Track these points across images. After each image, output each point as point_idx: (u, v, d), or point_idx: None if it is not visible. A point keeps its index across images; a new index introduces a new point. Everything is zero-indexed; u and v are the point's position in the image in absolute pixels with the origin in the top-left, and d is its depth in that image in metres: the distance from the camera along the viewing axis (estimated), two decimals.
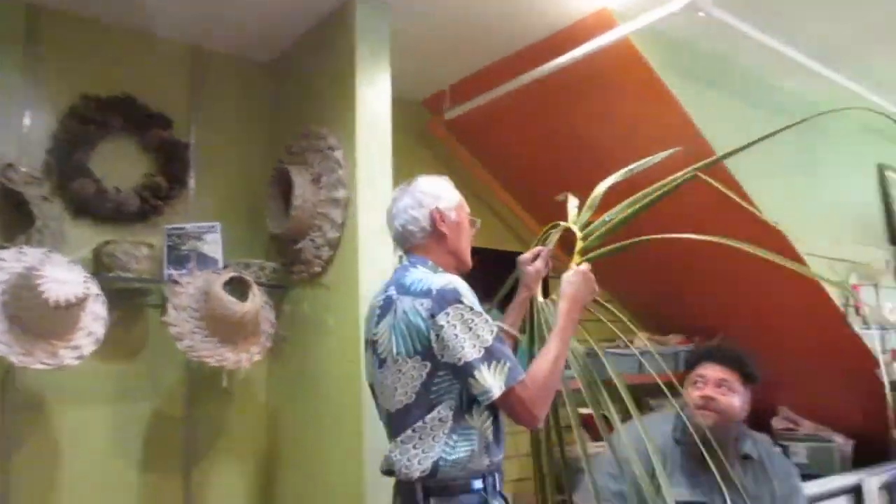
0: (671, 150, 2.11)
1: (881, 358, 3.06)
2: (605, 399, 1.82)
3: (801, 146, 3.18)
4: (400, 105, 2.28)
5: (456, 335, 1.50)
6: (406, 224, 1.71)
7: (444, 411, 1.54)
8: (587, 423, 2.02)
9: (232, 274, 2.10)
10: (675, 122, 2.59)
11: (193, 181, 2.39)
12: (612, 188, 2.01)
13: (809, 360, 3.22)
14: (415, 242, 1.71)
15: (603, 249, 1.91)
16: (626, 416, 1.82)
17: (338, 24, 2.26)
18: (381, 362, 1.60)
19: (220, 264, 2.23)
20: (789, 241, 2.78)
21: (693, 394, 2.11)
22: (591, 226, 1.97)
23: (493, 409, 1.58)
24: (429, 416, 1.55)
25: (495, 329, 1.56)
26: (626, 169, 2.05)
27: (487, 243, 3.13)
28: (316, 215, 2.23)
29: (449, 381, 1.54)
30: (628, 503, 1.96)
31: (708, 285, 3.19)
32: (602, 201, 2.03)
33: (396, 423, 1.59)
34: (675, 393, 2.03)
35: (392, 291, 1.62)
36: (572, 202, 2.10)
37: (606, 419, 1.82)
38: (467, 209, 1.82)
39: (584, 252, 1.91)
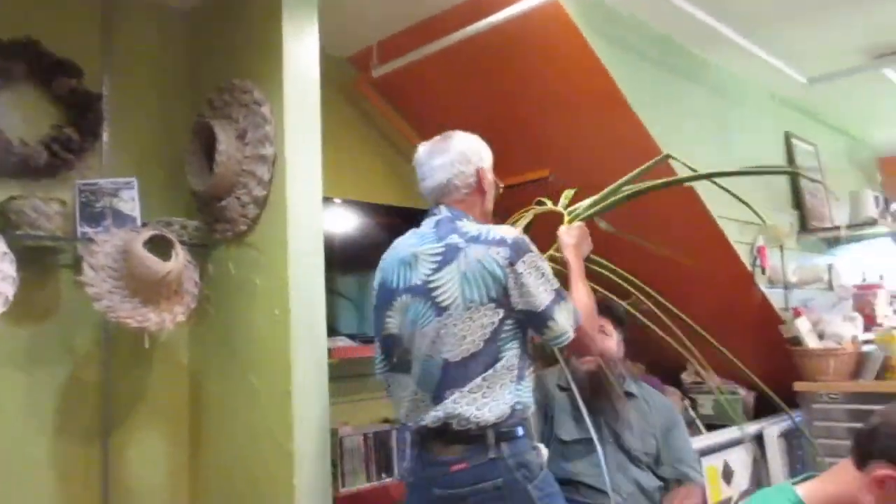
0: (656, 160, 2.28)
1: (784, 315, 3.26)
2: None
3: (715, 113, 3.31)
4: (325, 60, 2.22)
5: (533, 282, 1.59)
6: (453, 178, 1.73)
7: (511, 359, 1.61)
8: None
9: (153, 232, 2.01)
10: (601, 87, 2.63)
11: (107, 135, 2.26)
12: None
13: (718, 318, 3.39)
14: (457, 197, 1.74)
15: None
16: None
17: None
18: (443, 310, 1.60)
19: (139, 222, 2.14)
20: (702, 202, 2.90)
21: None
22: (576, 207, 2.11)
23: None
24: (498, 364, 1.59)
25: None
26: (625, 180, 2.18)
27: (414, 203, 3.12)
28: (241, 172, 2.16)
29: (515, 328, 1.61)
30: None
31: (625, 248, 3.30)
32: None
33: (458, 372, 1.58)
34: None
35: (455, 239, 1.64)
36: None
37: None
38: None
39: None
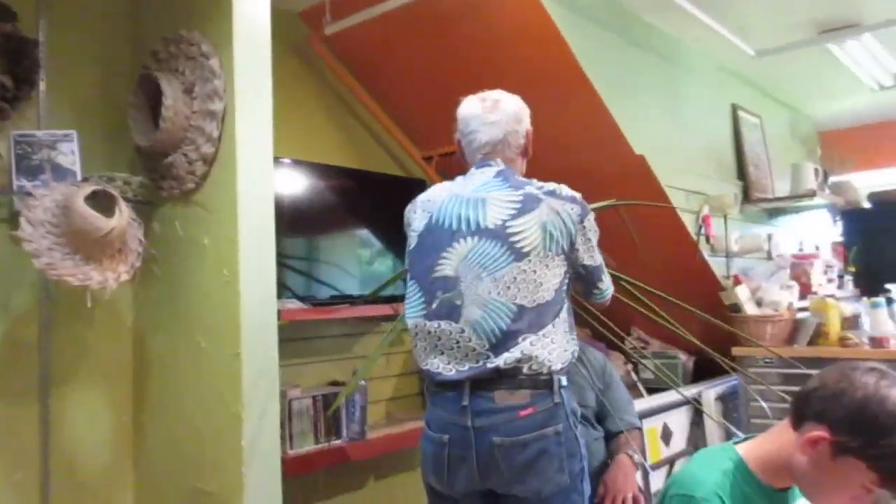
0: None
1: (725, 283, 3.36)
2: None
3: (665, 83, 3.35)
4: (275, 15, 2.14)
5: (594, 240, 1.73)
6: (507, 136, 1.77)
7: (567, 310, 1.71)
8: None
9: (94, 187, 1.94)
10: (556, 52, 2.63)
11: (44, 84, 2.15)
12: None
13: (662, 284, 3.48)
14: (508, 155, 1.78)
15: None
16: None
17: None
18: (523, 255, 1.63)
19: (79, 176, 2.05)
20: (652, 171, 2.95)
21: None
22: None
23: None
24: (563, 313, 1.68)
25: None
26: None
27: (367, 166, 3.09)
28: (188, 128, 2.09)
29: (569, 283, 1.71)
30: None
31: None
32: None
33: (532, 318, 1.62)
34: None
35: (533, 190, 1.70)
36: None
37: None
38: None
39: None
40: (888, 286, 3.32)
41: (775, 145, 4.26)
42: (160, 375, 2.23)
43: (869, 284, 3.82)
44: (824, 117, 4.93)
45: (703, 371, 3.53)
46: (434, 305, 1.68)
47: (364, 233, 3.08)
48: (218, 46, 2.05)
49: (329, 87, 3.01)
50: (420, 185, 3.16)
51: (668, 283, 3.44)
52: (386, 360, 2.66)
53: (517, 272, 1.63)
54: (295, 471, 2.44)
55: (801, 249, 4.11)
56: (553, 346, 1.63)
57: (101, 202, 1.94)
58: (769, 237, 3.97)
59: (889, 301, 3.17)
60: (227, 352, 1.98)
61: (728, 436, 3.40)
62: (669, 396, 3.20)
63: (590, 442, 2.22)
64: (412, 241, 1.77)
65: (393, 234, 3.08)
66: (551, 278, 1.65)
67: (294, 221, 2.69)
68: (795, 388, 3.25)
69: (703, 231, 3.24)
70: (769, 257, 3.76)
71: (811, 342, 3.17)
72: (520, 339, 1.61)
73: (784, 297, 3.20)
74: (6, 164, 1.99)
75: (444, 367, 1.66)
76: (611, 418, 2.30)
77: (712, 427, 3.25)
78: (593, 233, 1.74)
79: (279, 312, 2.34)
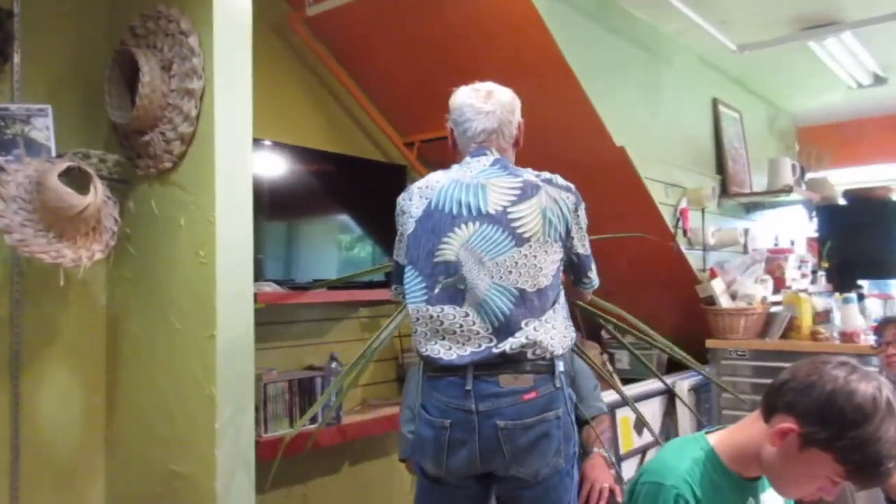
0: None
1: (701, 276, 3.40)
2: None
3: (646, 76, 3.35)
4: None
5: (586, 229, 1.79)
6: (502, 126, 1.79)
7: (562, 296, 1.75)
8: None
9: (69, 163, 1.90)
10: (538, 39, 2.62)
11: (18, 57, 2.10)
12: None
13: (639, 276, 3.51)
14: (502, 144, 1.80)
15: None
16: None
17: None
18: (524, 240, 1.66)
19: (53, 152, 2.02)
20: (631, 162, 2.96)
21: None
22: None
23: None
24: (560, 298, 1.73)
25: None
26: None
27: (348, 150, 3.07)
28: (166, 106, 2.06)
29: (562, 270, 1.75)
30: None
31: None
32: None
33: (534, 302, 1.65)
34: None
35: (531, 177, 1.73)
36: None
37: None
38: None
39: None
40: (860, 282, 3.37)
41: (754, 140, 4.29)
42: (134, 356, 2.20)
43: (842, 280, 3.88)
44: (803, 113, 4.98)
45: (679, 362, 3.56)
46: (437, 290, 1.68)
47: (343, 218, 3.06)
48: (197, 24, 2.02)
49: (310, 70, 2.98)
50: (401, 171, 3.17)
51: (645, 274, 3.48)
52: (363, 346, 2.64)
53: (518, 257, 1.66)
54: (269, 454, 2.43)
55: (776, 244, 4.17)
56: (554, 332, 1.67)
57: (76, 179, 1.91)
58: (746, 231, 4.01)
59: (860, 297, 3.22)
60: (201, 333, 1.97)
61: (700, 426, 3.45)
62: (643, 387, 3.24)
63: None
64: (408, 226, 1.75)
65: (373, 220, 3.08)
66: (550, 264, 1.69)
67: (272, 204, 2.67)
68: (767, 381, 3.30)
69: (680, 224, 3.27)
70: (745, 251, 3.81)
71: (783, 335, 3.22)
72: (523, 323, 1.64)
73: (758, 290, 3.25)
74: None
75: (445, 352, 1.67)
76: (580, 405, 2.32)
77: (685, 417, 3.29)
78: (585, 222, 1.80)
79: (255, 295, 2.33)
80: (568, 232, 1.73)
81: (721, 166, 3.82)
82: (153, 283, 2.14)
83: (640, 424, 3.17)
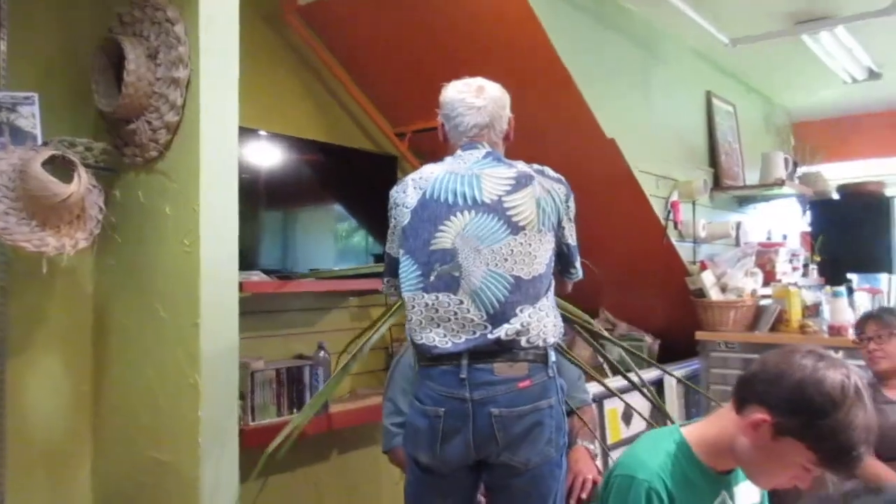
0: None
1: (691, 268, 3.40)
2: None
3: (640, 67, 3.34)
4: None
5: (574, 220, 1.82)
6: (494, 120, 1.81)
7: (553, 284, 1.78)
8: None
9: (53, 152, 1.90)
10: (529, 32, 2.61)
11: (4, 44, 2.10)
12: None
13: (630, 268, 3.51)
14: (493, 139, 1.82)
15: None
16: None
17: None
18: (520, 229, 1.70)
19: (39, 140, 2.01)
20: (622, 154, 2.96)
21: None
22: None
23: None
24: (552, 287, 1.76)
25: None
26: None
27: (339, 140, 3.06)
28: (152, 95, 2.05)
29: (554, 259, 1.78)
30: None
31: None
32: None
33: (529, 290, 1.69)
34: None
35: (525, 168, 1.77)
36: None
37: None
38: None
39: None
40: (849, 276, 3.38)
41: (748, 134, 4.29)
42: (120, 344, 2.21)
43: (833, 274, 3.89)
44: (798, 108, 4.97)
45: (669, 353, 3.58)
46: (432, 278, 1.71)
47: (334, 207, 3.06)
48: (184, 12, 2.01)
49: (302, 60, 2.97)
50: (392, 162, 3.17)
51: (636, 266, 3.49)
52: (352, 336, 2.65)
53: (514, 245, 1.69)
54: (256, 442, 2.44)
55: (769, 238, 4.17)
56: (547, 320, 1.71)
57: (60, 167, 1.91)
58: (738, 224, 4.01)
59: (849, 290, 3.23)
60: (185, 322, 1.97)
61: (689, 418, 3.46)
62: (633, 378, 3.24)
63: None
64: (404, 217, 1.78)
65: (364, 210, 3.08)
66: (543, 253, 1.72)
67: (261, 194, 2.68)
68: None
69: (671, 216, 3.27)
70: (737, 244, 3.81)
71: (772, 328, 3.23)
72: (517, 310, 1.67)
73: (748, 283, 3.25)
74: None
75: (440, 339, 1.69)
76: (569, 398, 2.33)
77: (673, 409, 3.30)
78: (574, 214, 1.84)
79: (242, 284, 2.33)
80: (559, 222, 1.77)
81: (714, 160, 3.82)
82: (139, 272, 2.14)
83: (628, 415, 3.19)
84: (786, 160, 3.81)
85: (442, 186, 1.75)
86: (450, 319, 1.68)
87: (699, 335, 3.32)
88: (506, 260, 1.68)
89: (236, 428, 2.04)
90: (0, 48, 2.09)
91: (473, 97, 1.81)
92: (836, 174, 4.73)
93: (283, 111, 2.88)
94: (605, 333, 2.53)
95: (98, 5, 2.28)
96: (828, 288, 3.30)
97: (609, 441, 2.96)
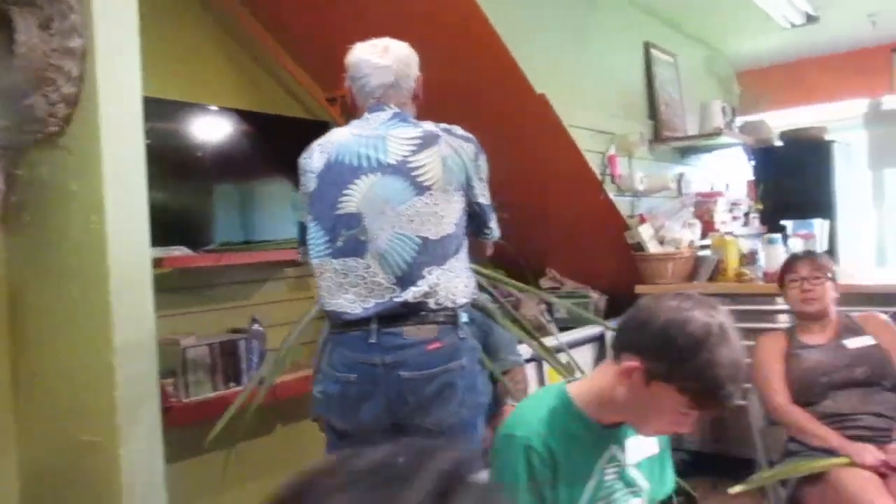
0: None
1: (630, 222, 3.41)
2: None
3: (571, 20, 3.29)
4: None
5: (485, 179, 1.80)
6: (399, 80, 1.77)
7: (465, 246, 1.76)
8: None
9: None
10: None
11: None
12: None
13: (572, 225, 3.51)
14: (401, 99, 1.79)
15: None
16: None
17: None
18: (425, 189, 1.67)
19: None
20: (553, 110, 2.93)
21: None
22: None
23: None
24: (463, 248, 1.74)
25: None
26: None
27: (268, 108, 2.99)
28: (48, 67, 1.96)
29: (466, 220, 1.76)
30: None
31: (489, 154, 3.31)
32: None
33: (437, 250, 1.67)
34: None
35: (432, 127, 1.74)
36: None
37: None
38: None
39: None
40: (783, 222, 3.41)
41: (691, 84, 4.27)
42: (35, 326, 2.15)
43: (776, 221, 3.92)
44: (741, 56, 4.95)
45: (617, 309, 3.59)
46: (339, 242, 1.70)
47: (265, 178, 3.00)
48: None
49: (225, 26, 2.88)
50: (323, 127, 3.09)
51: (577, 222, 3.49)
52: (290, 307, 2.63)
53: (420, 205, 1.67)
54: (191, 419, 2.42)
55: (712, 188, 4.19)
56: (457, 280, 1.70)
57: None
58: (681, 176, 4.03)
59: (785, 237, 3.26)
60: (97, 301, 1.92)
61: None
62: (576, 334, 3.27)
63: None
64: (311, 183, 1.76)
65: (295, 178, 3.02)
66: (452, 212, 1.71)
67: (187, 166, 2.61)
68: None
69: (608, 171, 3.26)
70: (680, 196, 3.82)
71: (711, 278, 3.26)
72: (425, 271, 1.66)
73: (685, 235, 3.27)
74: None
75: (349, 305, 1.68)
76: (496, 359, 2.33)
77: None
78: (485, 172, 1.82)
79: (161, 259, 2.29)
80: (468, 181, 1.76)
81: (654, 112, 3.80)
82: (49, 252, 2.08)
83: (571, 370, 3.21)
84: (723, 109, 3.81)
85: (347, 150, 1.72)
86: (358, 284, 1.67)
87: (639, 289, 3.34)
88: (412, 221, 1.66)
89: (157, 406, 2.01)
90: None
91: (378, 57, 1.77)
92: (782, 121, 4.74)
93: (205, 79, 2.79)
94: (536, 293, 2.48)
95: None
96: (765, 236, 3.33)
97: None
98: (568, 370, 2.50)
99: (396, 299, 1.65)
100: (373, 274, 1.66)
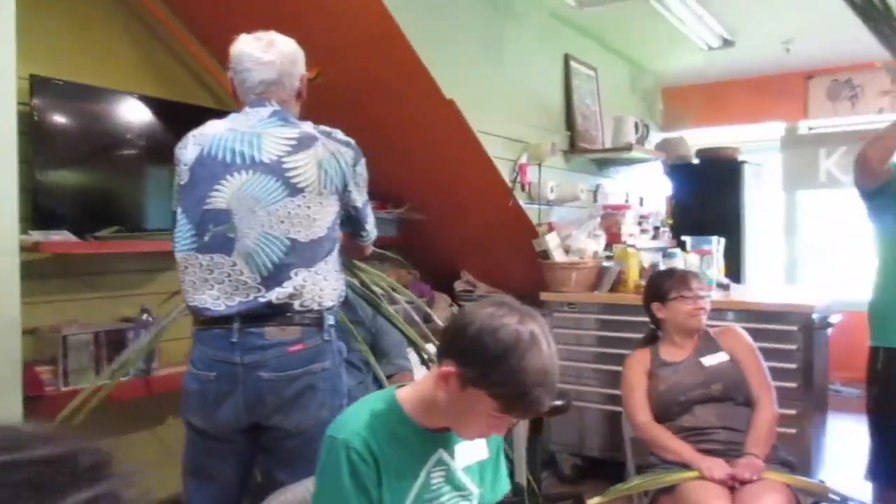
0: None
1: (539, 230, 3.46)
2: None
3: (488, 29, 3.32)
4: None
5: (364, 184, 1.81)
6: (282, 77, 1.74)
7: (337, 250, 1.76)
8: None
9: None
10: None
11: None
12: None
13: (485, 230, 3.55)
14: (283, 97, 1.76)
15: None
16: None
17: None
18: (298, 191, 1.65)
19: None
20: (462, 116, 2.95)
21: None
22: None
23: None
24: (334, 251, 1.73)
25: None
26: None
27: (177, 95, 2.93)
28: None
29: (339, 224, 1.77)
30: None
31: (403, 157, 3.31)
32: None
33: (306, 253, 1.66)
34: None
35: (310, 129, 1.73)
36: None
37: None
38: None
39: None
40: (684, 238, 3.51)
41: (613, 98, 4.36)
42: None
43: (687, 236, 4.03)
44: (666, 73, 5.08)
45: None
46: (206, 238, 1.67)
47: (164, 166, 2.94)
48: None
49: (130, 7, 2.81)
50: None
51: (489, 228, 3.53)
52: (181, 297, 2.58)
53: (292, 207, 1.65)
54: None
55: (627, 200, 4.29)
56: (325, 283, 1.69)
57: None
58: (598, 187, 4.11)
59: (684, 251, 3.36)
60: None
61: None
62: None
63: (353, 385, 2.25)
64: (183, 175, 1.73)
65: None
66: (325, 216, 1.70)
67: (81, 150, 2.55)
68: (596, 332, 3.36)
69: (518, 178, 3.30)
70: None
71: (613, 289, 3.33)
72: (292, 273, 1.64)
73: (590, 245, 3.33)
74: None
75: (212, 301, 1.65)
76: (383, 362, 2.34)
77: None
78: (363, 178, 1.82)
79: (38, 244, 2.23)
80: (345, 186, 1.74)
81: (571, 123, 3.87)
82: None
83: None
84: (636, 124, 3.90)
85: (220, 144, 1.70)
86: (223, 281, 1.65)
87: (543, 296, 3.40)
88: (282, 222, 1.65)
89: (19, 392, 1.95)
90: None
91: (262, 52, 1.74)
92: (704, 140, 4.89)
93: (110, 63, 2.73)
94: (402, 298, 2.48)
95: None
96: (666, 250, 3.42)
97: None
98: None
99: (261, 299, 1.63)
100: (238, 272, 1.64)
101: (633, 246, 3.39)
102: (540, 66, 3.72)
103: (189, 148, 1.74)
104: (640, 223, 3.82)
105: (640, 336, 2.66)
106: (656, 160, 4.46)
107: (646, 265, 3.32)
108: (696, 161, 4.58)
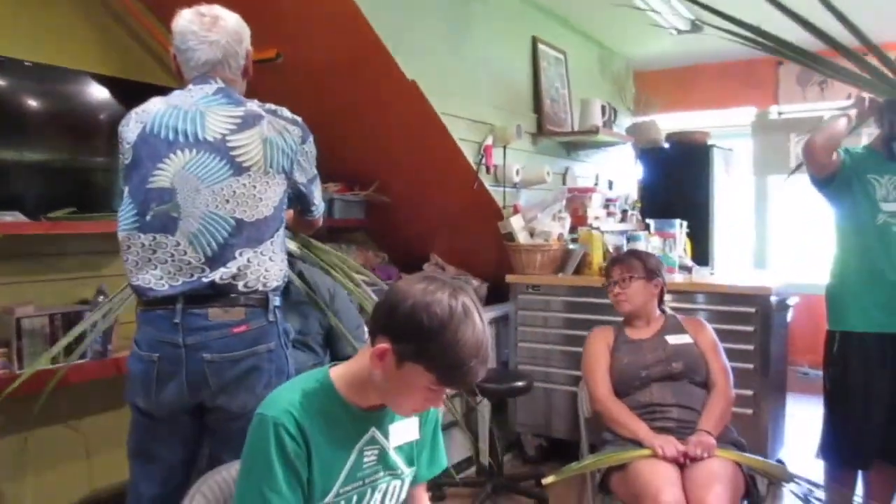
0: None
1: (505, 212, 3.46)
2: None
3: (453, 10, 3.29)
4: None
5: (312, 161, 1.80)
6: (229, 55, 1.73)
7: (283, 228, 1.75)
8: None
9: None
10: None
11: None
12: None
13: (452, 212, 3.55)
14: (228, 75, 1.74)
15: None
16: None
17: None
18: (243, 170, 1.64)
19: None
20: (425, 98, 2.93)
21: None
22: None
23: None
24: (279, 231, 1.72)
25: None
26: None
27: (134, 74, 2.89)
28: None
29: (287, 202, 1.76)
30: None
31: (368, 139, 3.30)
32: None
33: (251, 233, 1.65)
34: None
35: (255, 108, 1.70)
36: None
37: None
38: None
39: None
40: (648, 221, 3.53)
41: (583, 81, 4.35)
42: None
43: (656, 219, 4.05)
44: (637, 57, 5.08)
45: (498, 296, 3.65)
46: (148, 217, 1.65)
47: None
48: None
49: None
50: None
51: (456, 210, 3.52)
52: None
53: (237, 186, 1.64)
54: (23, 391, 2.34)
55: (596, 184, 4.30)
56: (270, 264, 1.68)
57: None
58: (566, 170, 4.12)
59: (649, 234, 3.38)
60: None
61: (499, 358, 3.57)
62: None
63: (306, 367, 2.24)
64: (127, 154, 1.71)
65: None
66: (271, 195, 1.69)
67: (36, 129, 2.52)
68: (560, 314, 3.38)
69: (483, 161, 3.30)
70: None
71: (577, 271, 3.35)
72: (236, 253, 1.63)
73: (555, 227, 3.34)
74: None
75: (156, 282, 1.64)
76: (340, 343, 2.33)
77: None
78: (312, 155, 1.81)
79: None
80: (292, 164, 1.74)
81: (538, 105, 3.86)
82: None
83: None
84: (603, 107, 3.90)
85: (162, 123, 1.67)
86: (167, 261, 1.64)
87: (509, 278, 3.41)
88: (227, 202, 1.64)
89: None
90: None
91: (206, 30, 1.72)
92: (675, 124, 4.89)
93: (57, 40, 2.68)
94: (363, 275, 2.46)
95: None
96: (630, 233, 3.44)
97: None
98: None
99: (204, 279, 1.62)
100: (182, 252, 1.63)
101: (597, 229, 3.40)
102: (507, 49, 3.70)
103: (131, 125, 1.71)
104: (607, 206, 3.83)
105: (605, 318, 2.69)
106: (625, 144, 4.46)
107: (610, 248, 3.34)
108: (666, 145, 4.60)
